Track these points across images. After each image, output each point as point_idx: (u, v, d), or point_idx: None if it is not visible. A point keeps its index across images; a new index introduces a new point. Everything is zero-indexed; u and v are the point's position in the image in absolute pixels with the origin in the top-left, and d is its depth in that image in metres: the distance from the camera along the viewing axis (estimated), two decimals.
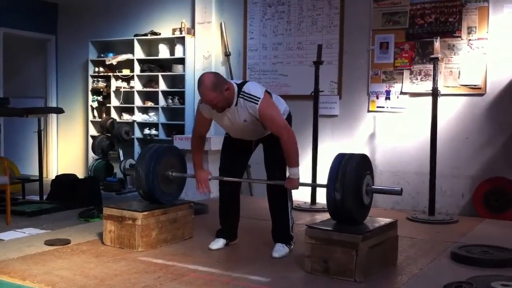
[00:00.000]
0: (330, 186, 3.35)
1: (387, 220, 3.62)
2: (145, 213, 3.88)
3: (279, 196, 3.81)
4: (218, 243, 3.96)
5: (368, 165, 3.56)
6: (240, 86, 3.60)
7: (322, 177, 5.72)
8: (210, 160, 5.86)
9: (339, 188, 3.30)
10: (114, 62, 7.61)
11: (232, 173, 3.93)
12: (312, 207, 5.56)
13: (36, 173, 6.65)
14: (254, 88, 3.59)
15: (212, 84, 3.45)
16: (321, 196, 5.71)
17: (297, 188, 3.68)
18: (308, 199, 5.68)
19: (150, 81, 7.58)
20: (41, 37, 8.35)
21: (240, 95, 3.55)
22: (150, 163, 3.95)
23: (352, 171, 3.33)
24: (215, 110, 3.62)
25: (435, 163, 5.08)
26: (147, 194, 4.03)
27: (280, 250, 3.76)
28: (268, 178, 3.85)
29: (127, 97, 7.71)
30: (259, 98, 3.52)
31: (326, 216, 4.23)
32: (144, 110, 7.62)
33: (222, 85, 3.50)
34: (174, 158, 4.16)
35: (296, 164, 3.60)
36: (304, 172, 5.91)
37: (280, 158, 3.68)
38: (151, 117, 7.52)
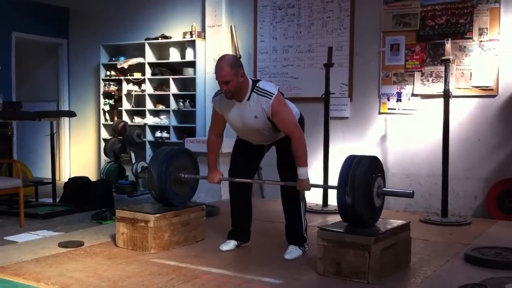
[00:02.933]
0: (340, 190, 3.34)
1: (399, 222, 3.61)
2: (158, 215, 3.90)
3: (292, 198, 3.81)
4: (228, 245, 3.97)
5: (379, 167, 3.54)
6: (255, 82, 3.65)
7: (334, 180, 5.72)
8: (221, 162, 5.86)
9: (349, 192, 3.29)
10: (125, 65, 7.65)
11: (242, 176, 3.93)
12: (324, 209, 5.55)
13: (49, 176, 6.70)
14: (269, 86, 3.65)
15: (231, 61, 3.55)
16: (333, 198, 5.70)
17: (308, 189, 3.68)
18: (320, 201, 5.67)
19: (161, 84, 7.61)
20: (53, 41, 8.42)
21: (254, 90, 3.59)
22: (162, 165, 3.96)
23: (362, 174, 3.32)
24: (224, 102, 3.66)
25: (447, 164, 5.06)
26: (159, 196, 4.05)
27: (292, 252, 3.76)
28: (281, 179, 3.85)
29: (139, 100, 7.75)
30: (273, 94, 3.56)
31: (338, 218, 4.22)
32: (155, 113, 7.65)
33: (239, 69, 3.55)
34: (187, 160, 4.17)
35: (304, 164, 3.60)
36: (315, 174, 5.92)
37: (293, 159, 3.68)
38: (163, 120, 7.55)
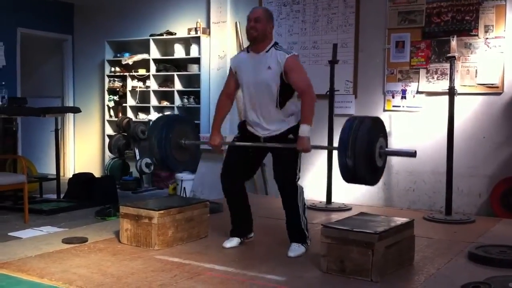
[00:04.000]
0: (341, 153, 3.31)
1: (403, 220, 3.60)
2: (161, 212, 3.91)
3: (289, 196, 3.79)
4: (232, 242, 3.99)
5: (381, 128, 3.50)
6: (277, 43, 3.82)
7: (338, 178, 5.72)
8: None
9: (350, 155, 3.26)
10: (130, 62, 7.65)
11: (233, 179, 3.91)
12: (327, 206, 5.55)
13: (53, 172, 6.71)
14: (289, 49, 3.80)
15: (268, 10, 3.90)
16: (337, 196, 5.72)
17: (308, 150, 3.64)
18: (324, 198, 5.66)
19: (165, 81, 7.61)
20: (57, 37, 8.42)
21: (274, 46, 3.75)
22: (162, 131, 3.95)
23: (364, 137, 3.27)
24: (242, 58, 3.82)
25: (451, 162, 5.05)
26: (160, 162, 4.03)
27: (295, 249, 3.76)
28: (275, 178, 3.81)
29: (143, 96, 7.75)
30: (292, 52, 3.73)
31: (342, 215, 4.22)
32: (160, 110, 7.65)
33: (271, 20, 3.80)
34: (187, 127, 4.16)
35: (309, 121, 3.62)
36: (320, 171, 5.93)
37: (289, 160, 3.71)
38: None
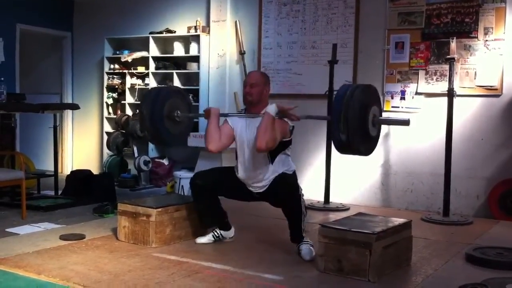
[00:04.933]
0: (334, 127, 3.27)
1: (401, 220, 3.61)
2: (159, 209, 3.91)
3: (292, 206, 3.75)
4: (204, 238, 4.05)
5: (374, 95, 3.47)
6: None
7: (336, 178, 5.74)
8: (224, 158, 5.87)
9: (343, 129, 3.22)
10: (129, 59, 7.64)
11: (206, 181, 3.91)
12: (325, 206, 5.56)
13: (51, 168, 6.70)
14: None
15: (264, 74, 4.04)
16: (335, 195, 5.72)
17: (273, 112, 3.62)
18: (321, 198, 5.67)
19: (164, 79, 7.60)
20: (57, 34, 8.40)
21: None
22: (155, 103, 3.88)
23: (356, 108, 3.22)
24: (237, 119, 3.86)
25: (450, 164, 5.05)
26: (152, 135, 3.96)
27: (311, 251, 3.69)
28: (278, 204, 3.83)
29: (142, 94, 7.73)
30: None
31: (340, 215, 4.23)
32: None
33: (268, 84, 3.94)
34: (179, 99, 4.09)
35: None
36: (317, 171, 5.93)
37: (289, 183, 3.75)
38: None
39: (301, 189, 3.79)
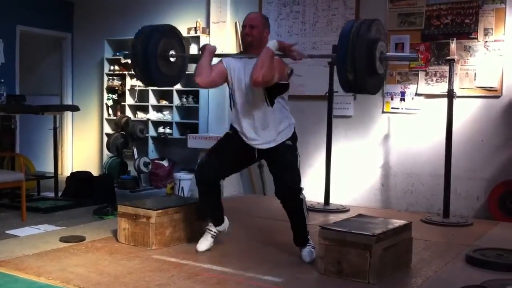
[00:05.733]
0: (341, 67, 3.17)
1: (401, 222, 3.60)
2: (159, 211, 3.90)
3: (293, 204, 3.66)
4: (206, 242, 3.87)
5: (380, 31, 3.36)
6: None
7: (336, 179, 5.73)
8: None
9: (350, 68, 3.13)
10: (129, 60, 7.64)
11: (211, 175, 3.71)
12: (325, 208, 5.55)
13: (51, 170, 6.71)
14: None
15: (264, 17, 3.77)
16: (335, 197, 5.72)
17: (273, 47, 3.46)
18: (321, 199, 5.66)
19: None
20: (57, 35, 8.42)
21: None
22: (149, 40, 3.74)
23: (363, 47, 3.11)
24: (233, 61, 3.67)
25: (450, 165, 5.05)
26: (142, 73, 3.83)
27: (311, 254, 3.64)
28: (277, 185, 3.64)
29: (142, 95, 7.75)
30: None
31: (340, 216, 4.22)
32: (158, 109, 7.65)
33: (268, 26, 3.69)
34: (175, 39, 3.95)
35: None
36: (318, 173, 5.93)
37: (288, 162, 3.60)
38: (166, 116, 7.55)
39: (303, 189, 3.68)
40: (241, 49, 3.94)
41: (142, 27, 3.96)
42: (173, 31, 4.04)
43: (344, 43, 3.17)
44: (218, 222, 3.92)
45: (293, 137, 3.71)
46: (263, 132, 3.64)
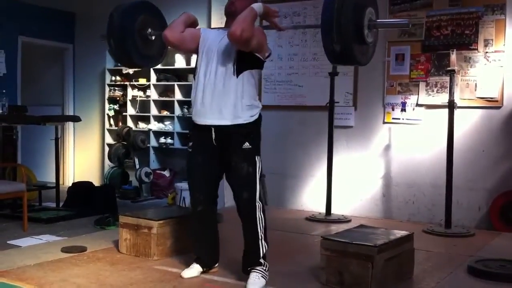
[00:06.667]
0: (326, 38, 2.93)
1: (403, 233, 3.60)
2: (161, 222, 3.90)
3: (247, 211, 3.38)
4: (192, 271, 3.51)
5: None
6: None
7: (337, 189, 5.73)
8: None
9: (336, 38, 2.89)
10: (130, 71, 7.68)
11: (204, 192, 3.50)
12: (327, 218, 5.54)
13: (53, 180, 6.70)
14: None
15: None
16: (336, 207, 5.71)
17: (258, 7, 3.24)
18: (323, 209, 5.66)
19: (166, 90, 7.63)
20: (58, 46, 8.45)
21: None
22: (129, 14, 3.56)
23: (350, 14, 2.89)
24: (210, 31, 3.55)
25: (451, 175, 5.05)
26: (118, 50, 3.62)
27: (255, 282, 3.30)
28: (235, 198, 3.42)
29: (143, 106, 7.77)
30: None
31: (341, 227, 4.21)
32: (159, 119, 7.67)
33: (253, 2, 3.33)
34: (157, 19, 3.79)
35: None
36: (319, 183, 5.93)
37: (245, 175, 3.31)
38: (167, 126, 7.57)
39: (261, 204, 3.38)
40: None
41: (119, 4, 3.74)
42: (154, 9, 3.86)
43: (328, 12, 2.93)
44: (211, 262, 3.59)
45: (254, 126, 3.36)
46: (222, 102, 3.30)
